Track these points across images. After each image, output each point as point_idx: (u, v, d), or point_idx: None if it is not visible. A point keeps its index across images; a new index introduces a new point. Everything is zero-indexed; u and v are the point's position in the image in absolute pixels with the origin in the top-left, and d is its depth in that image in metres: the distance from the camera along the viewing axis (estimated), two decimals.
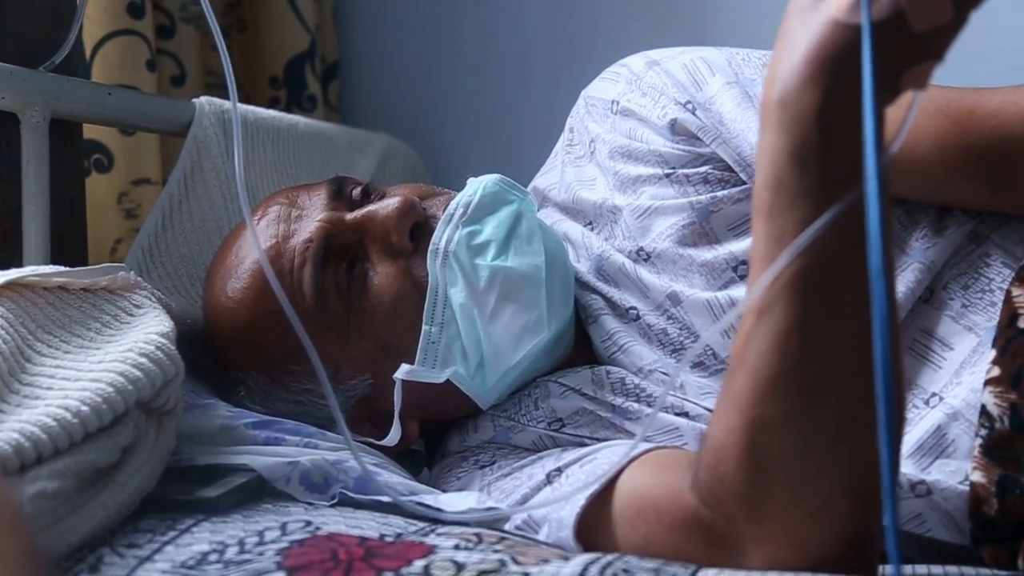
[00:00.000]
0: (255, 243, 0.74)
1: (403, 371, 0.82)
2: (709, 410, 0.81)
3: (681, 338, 0.85)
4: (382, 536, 0.64)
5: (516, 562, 0.59)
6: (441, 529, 0.67)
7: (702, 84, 0.86)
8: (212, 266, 0.92)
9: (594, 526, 0.70)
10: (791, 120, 0.54)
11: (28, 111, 0.94)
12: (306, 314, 0.82)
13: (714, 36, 1.25)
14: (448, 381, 0.83)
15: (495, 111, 1.66)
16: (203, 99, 1.12)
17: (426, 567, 0.58)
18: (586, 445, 0.82)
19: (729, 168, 0.85)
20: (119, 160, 1.26)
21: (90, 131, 1.21)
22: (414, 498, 0.74)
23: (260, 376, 0.86)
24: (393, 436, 0.85)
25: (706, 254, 0.84)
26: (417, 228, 0.84)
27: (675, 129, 0.86)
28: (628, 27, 1.54)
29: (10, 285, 0.73)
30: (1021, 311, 0.72)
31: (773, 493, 0.58)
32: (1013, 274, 0.76)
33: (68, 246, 1.01)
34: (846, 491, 0.57)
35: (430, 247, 0.82)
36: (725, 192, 0.84)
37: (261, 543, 0.63)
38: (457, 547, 0.61)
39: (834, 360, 0.56)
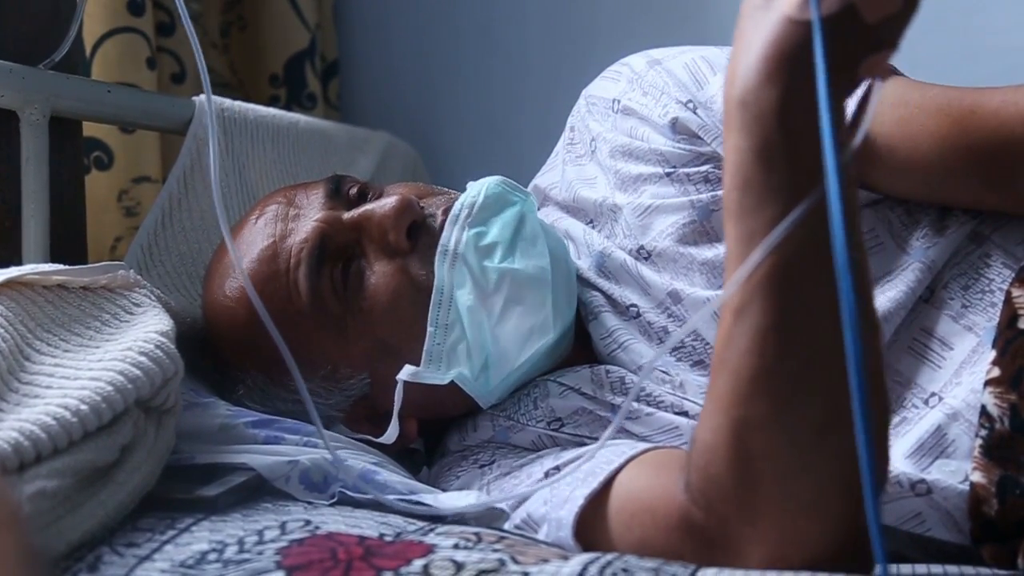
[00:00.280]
0: (234, 256, 0.73)
1: (407, 372, 0.82)
2: None
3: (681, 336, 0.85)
4: (381, 535, 0.64)
5: (515, 561, 0.59)
6: (440, 528, 0.67)
7: (703, 83, 0.86)
8: (211, 265, 0.92)
9: (592, 526, 0.70)
10: (752, 119, 0.54)
11: (28, 109, 0.94)
12: (303, 314, 0.82)
13: (715, 35, 1.25)
14: (451, 381, 0.83)
15: (495, 109, 1.66)
16: (203, 97, 1.12)
17: (425, 566, 0.58)
18: (585, 444, 0.82)
19: None
20: (119, 158, 1.26)
21: (90, 129, 1.21)
22: (413, 497, 0.74)
23: (259, 375, 0.86)
24: (391, 434, 0.85)
25: (707, 252, 0.84)
26: (415, 227, 0.84)
27: (676, 128, 0.86)
28: (629, 26, 1.54)
29: (9, 283, 0.73)
30: (1021, 312, 0.72)
31: (763, 492, 0.58)
32: (1013, 275, 0.76)
33: (67, 244, 1.01)
34: (836, 485, 0.57)
35: (439, 248, 0.82)
36: None
37: (260, 542, 0.62)
38: (456, 546, 0.61)
39: (813, 356, 0.56)
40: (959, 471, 0.71)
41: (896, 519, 0.71)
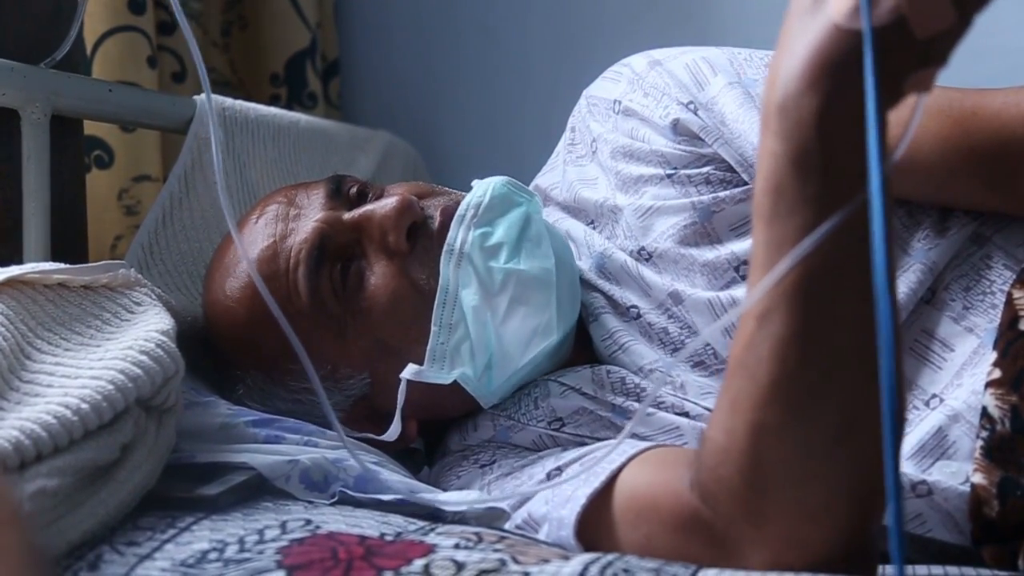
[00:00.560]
0: (243, 255, 0.74)
1: (410, 371, 0.82)
2: (709, 410, 0.81)
3: (682, 337, 0.85)
4: (382, 535, 0.64)
5: (516, 561, 0.59)
6: (441, 528, 0.67)
7: (704, 84, 0.86)
8: (211, 264, 0.92)
9: (594, 525, 0.70)
10: (791, 126, 0.53)
11: (29, 107, 0.94)
12: (302, 314, 0.82)
13: (717, 36, 1.25)
14: (453, 381, 0.83)
15: (496, 109, 1.66)
16: (204, 96, 1.12)
17: (426, 566, 0.58)
18: (586, 444, 0.82)
19: (731, 168, 0.84)
20: (119, 157, 1.25)
21: (91, 127, 1.21)
22: (414, 496, 0.74)
23: (259, 375, 0.86)
24: (393, 431, 0.85)
25: (708, 254, 0.84)
26: (415, 228, 0.84)
27: (677, 129, 0.86)
28: (631, 26, 1.54)
29: (10, 282, 0.73)
30: (1022, 313, 0.72)
31: (773, 496, 0.58)
32: (1014, 276, 0.76)
33: (68, 243, 1.00)
34: (846, 494, 0.57)
35: (444, 247, 0.82)
36: (727, 193, 0.84)
37: (261, 541, 0.62)
38: (457, 546, 0.61)
39: (833, 366, 0.56)
40: (960, 472, 0.71)
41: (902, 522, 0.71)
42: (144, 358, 0.70)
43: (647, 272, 0.87)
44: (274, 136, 1.22)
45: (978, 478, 0.69)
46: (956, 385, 0.75)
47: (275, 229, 0.85)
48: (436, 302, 0.81)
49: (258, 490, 0.74)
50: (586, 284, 0.90)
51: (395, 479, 0.79)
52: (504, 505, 0.76)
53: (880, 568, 0.62)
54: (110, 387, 0.66)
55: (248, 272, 0.85)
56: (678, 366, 0.85)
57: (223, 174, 1.09)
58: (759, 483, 0.58)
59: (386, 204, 0.84)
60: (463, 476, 0.85)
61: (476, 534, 0.65)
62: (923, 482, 0.72)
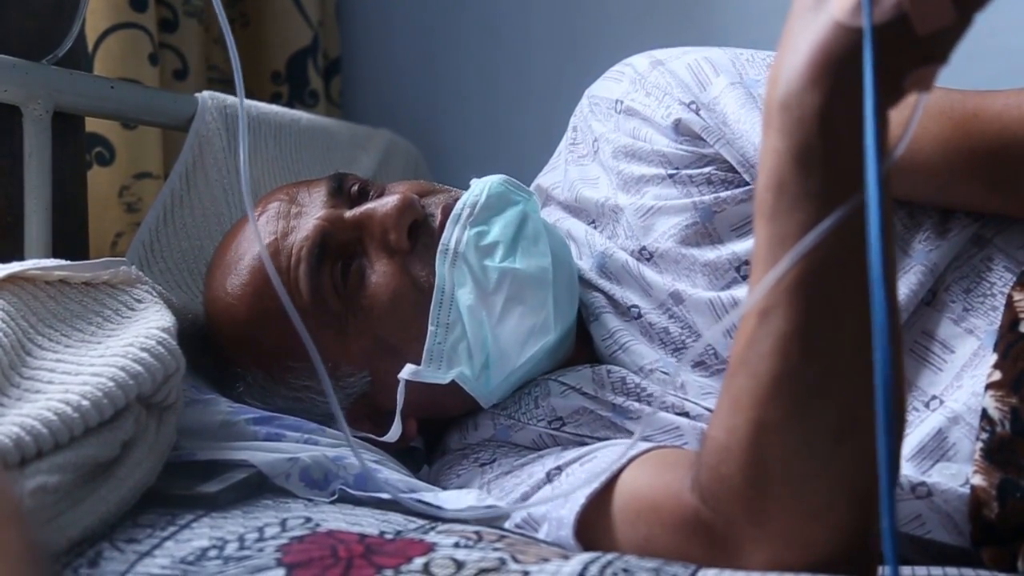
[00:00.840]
0: (258, 241, 0.74)
1: (408, 371, 0.82)
2: (710, 410, 0.81)
3: (683, 337, 0.85)
4: (382, 533, 0.64)
5: (516, 560, 0.59)
6: (441, 527, 0.67)
7: (706, 84, 0.86)
8: (212, 262, 0.92)
9: (594, 525, 0.70)
10: (793, 122, 0.53)
11: (30, 104, 0.94)
12: (304, 311, 0.82)
13: (719, 36, 1.25)
14: (452, 381, 0.83)
15: (498, 108, 1.66)
16: (206, 93, 1.12)
17: (426, 565, 0.58)
18: (586, 444, 0.82)
19: (732, 169, 0.84)
20: (121, 154, 1.26)
21: (92, 124, 1.21)
22: (414, 495, 0.74)
23: (259, 372, 0.86)
24: (394, 432, 0.85)
25: (709, 254, 0.84)
26: (416, 226, 0.84)
27: (679, 129, 0.86)
28: (633, 26, 1.54)
29: (11, 278, 0.73)
30: (1022, 315, 0.72)
31: (774, 494, 0.58)
32: (1015, 278, 0.76)
33: (69, 240, 1.00)
34: (847, 492, 0.57)
35: (439, 247, 0.82)
36: (728, 193, 0.84)
37: (261, 539, 0.62)
38: (457, 545, 0.61)
39: (835, 363, 0.56)
40: (960, 474, 0.71)
41: (897, 521, 0.71)
42: (145, 355, 0.70)
43: (648, 272, 0.87)
44: (275, 134, 1.22)
45: (978, 480, 0.69)
46: (956, 387, 0.75)
47: (276, 226, 0.85)
48: (432, 302, 0.81)
49: (258, 488, 0.74)
50: (587, 283, 0.90)
51: (395, 478, 0.79)
52: (503, 504, 0.76)
53: (880, 568, 0.62)
54: (111, 384, 0.66)
55: (250, 269, 0.85)
56: (678, 366, 0.85)
57: (221, 176, 1.09)
58: (760, 481, 0.58)
59: (387, 202, 0.84)
60: (463, 475, 0.85)
61: (476, 533, 0.65)
62: (923, 484, 0.72)
